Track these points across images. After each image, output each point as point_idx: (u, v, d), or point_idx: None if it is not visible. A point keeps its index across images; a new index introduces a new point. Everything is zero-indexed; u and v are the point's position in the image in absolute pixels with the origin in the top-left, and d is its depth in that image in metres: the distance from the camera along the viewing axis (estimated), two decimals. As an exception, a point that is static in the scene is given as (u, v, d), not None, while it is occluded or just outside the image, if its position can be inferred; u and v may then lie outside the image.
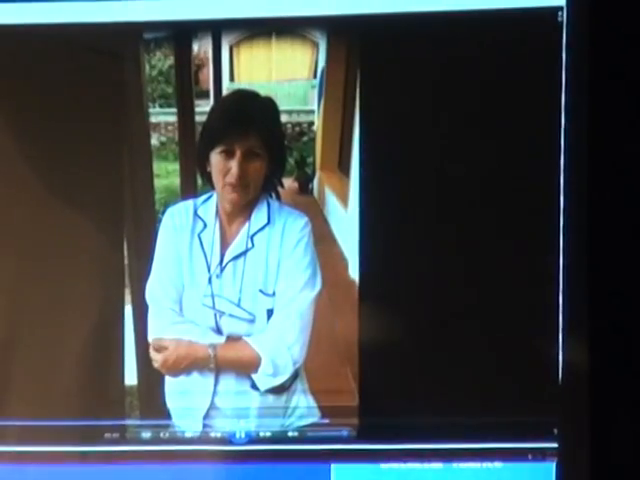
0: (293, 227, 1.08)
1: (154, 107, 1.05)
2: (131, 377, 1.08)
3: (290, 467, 1.05)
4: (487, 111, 1.01)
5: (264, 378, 1.07)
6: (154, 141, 1.06)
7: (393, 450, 1.04)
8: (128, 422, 1.07)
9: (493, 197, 1.02)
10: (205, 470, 1.06)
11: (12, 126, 1.03)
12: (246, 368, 1.07)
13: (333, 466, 1.05)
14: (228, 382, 1.08)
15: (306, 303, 1.07)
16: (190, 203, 1.09)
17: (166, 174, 1.07)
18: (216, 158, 1.05)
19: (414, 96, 1.01)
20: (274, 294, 1.08)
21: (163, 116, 1.06)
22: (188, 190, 1.08)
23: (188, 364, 1.07)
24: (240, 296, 1.08)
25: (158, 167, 1.06)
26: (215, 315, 1.08)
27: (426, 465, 1.04)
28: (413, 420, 1.04)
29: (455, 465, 1.04)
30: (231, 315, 1.08)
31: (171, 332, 1.08)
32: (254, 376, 1.07)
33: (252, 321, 1.08)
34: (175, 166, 1.07)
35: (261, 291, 1.08)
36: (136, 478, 1.06)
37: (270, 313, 1.08)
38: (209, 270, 1.09)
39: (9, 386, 1.06)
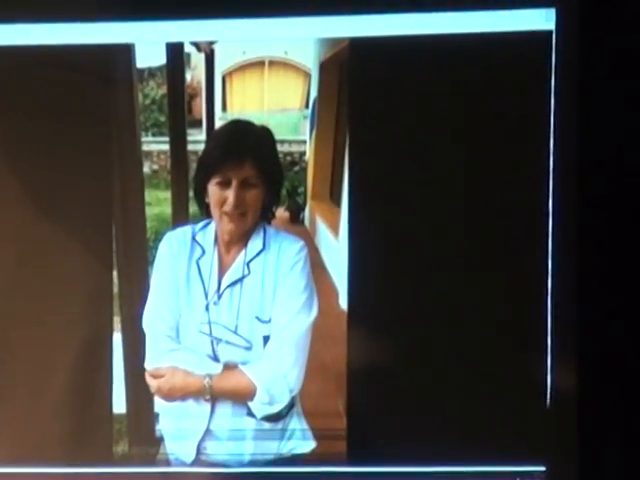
0: (288, 251, 1.15)
1: (147, 136, 1.13)
2: (119, 405, 1.14)
3: None
4: (479, 137, 1.09)
5: (260, 406, 1.14)
6: (146, 169, 1.14)
7: (381, 473, 1.11)
8: (118, 449, 1.14)
9: (481, 224, 1.09)
10: None
11: (2, 147, 1.10)
12: (242, 398, 1.14)
13: None
14: (224, 409, 1.15)
15: (302, 330, 1.14)
16: (188, 229, 1.16)
17: (157, 202, 1.14)
18: (213, 189, 1.12)
19: (405, 125, 1.09)
20: (270, 321, 1.14)
21: (155, 145, 1.14)
22: (179, 218, 1.16)
23: (183, 395, 1.14)
24: (237, 323, 1.14)
25: (149, 195, 1.14)
26: (212, 342, 1.15)
27: None
28: (401, 444, 1.11)
29: None
30: (228, 342, 1.15)
31: (168, 359, 1.14)
32: (250, 404, 1.14)
33: (249, 348, 1.14)
34: (167, 194, 1.15)
35: (257, 318, 1.14)
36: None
37: (266, 340, 1.14)
38: (207, 297, 1.15)
39: None
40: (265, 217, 1.16)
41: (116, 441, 1.14)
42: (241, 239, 1.15)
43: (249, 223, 1.14)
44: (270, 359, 1.14)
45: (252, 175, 1.10)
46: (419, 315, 1.10)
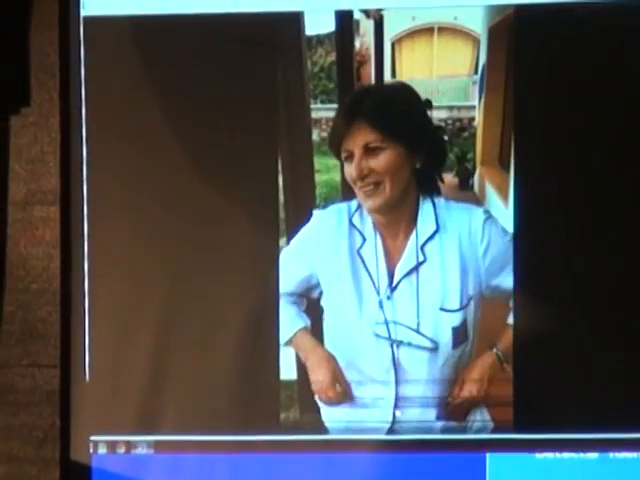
0: (473, 226, 1.10)
1: (315, 103, 1.18)
2: (290, 372, 1.19)
3: (447, 456, 1.18)
4: None
5: None
6: (315, 136, 1.18)
7: (548, 440, 1.16)
8: (289, 415, 1.21)
9: None
10: (360, 460, 1.18)
11: (168, 121, 1.16)
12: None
13: (489, 455, 1.17)
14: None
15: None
16: (344, 209, 1.13)
17: (326, 169, 1.18)
18: (345, 166, 1.10)
19: (575, 92, 1.13)
20: (460, 309, 1.09)
21: (324, 112, 1.18)
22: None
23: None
24: (419, 320, 1.09)
25: (319, 162, 1.19)
26: (392, 345, 1.10)
27: (581, 455, 1.16)
28: (568, 410, 1.15)
29: (611, 455, 1.16)
30: (410, 344, 1.09)
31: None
32: None
33: (434, 349, 1.09)
34: (336, 161, 1.18)
35: (443, 309, 1.09)
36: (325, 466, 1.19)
37: (455, 331, 1.09)
38: (378, 293, 1.10)
39: (165, 379, 1.19)
40: (427, 187, 1.13)
41: (286, 408, 1.19)
42: (403, 217, 1.12)
43: (389, 193, 1.09)
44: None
45: (374, 139, 1.08)
46: (588, 283, 1.14)
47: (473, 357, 1.13)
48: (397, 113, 1.11)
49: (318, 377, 1.15)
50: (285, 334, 1.15)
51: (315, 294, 1.16)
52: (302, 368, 1.20)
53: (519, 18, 1.12)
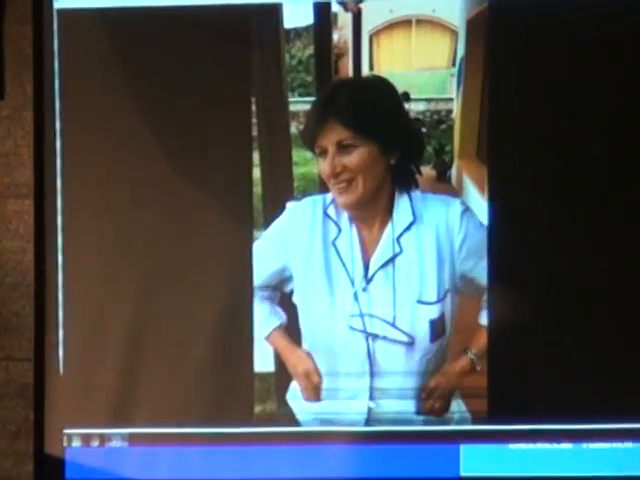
0: (450, 218, 1.09)
1: (293, 96, 1.18)
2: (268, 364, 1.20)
3: (420, 448, 1.19)
4: (629, 107, 1.14)
5: None
6: (293, 129, 1.18)
7: (522, 431, 1.17)
8: (266, 408, 1.21)
9: (624, 190, 1.15)
10: (336, 452, 1.19)
11: (143, 114, 1.16)
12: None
13: (462, 447, 1.18)
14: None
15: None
16: (319, 200, 1.12)
17: (304, 162, 1.18)
18: (319, 162, 1.10)
19: (552, 85, 1.14)
20: (438, 301, 1.08)
21: (302, 105, 1.18)
22: None
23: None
24: (395, 313, 1.08)
25: (297, 155, 1.18)
26: (367, 339, 1.09)
27: (555, 445, 1.18)
28: (542, 401, 1.16)
29: (585, 445, 1.17)
30: (385, 338, 1.08)
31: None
32: None
33: (410, 344, 1.09)
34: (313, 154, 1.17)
35: (420, 301, 1.08)
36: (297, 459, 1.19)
37: (433, 324, 1.08)
38: (353, 284, 1.09)
39: (139, 372, 1.20)
40: (403, 182, 1.12)
41: (262, 400, 1.19)
42: (378, 209, 1.11)
43: (362, 191, 1.09)
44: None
45: (347, 136, 1.07)
46: (561, 277, 1.16)
47: (448, 356, 1.14)
48: (371, 110, 1.10)
49: (296, 377, 1.16)
50: (260, 333, 1.16)
51: (288, 287, 1.16)
52: (279, 361, 1.20)
53: (496, 10, 1.12)
